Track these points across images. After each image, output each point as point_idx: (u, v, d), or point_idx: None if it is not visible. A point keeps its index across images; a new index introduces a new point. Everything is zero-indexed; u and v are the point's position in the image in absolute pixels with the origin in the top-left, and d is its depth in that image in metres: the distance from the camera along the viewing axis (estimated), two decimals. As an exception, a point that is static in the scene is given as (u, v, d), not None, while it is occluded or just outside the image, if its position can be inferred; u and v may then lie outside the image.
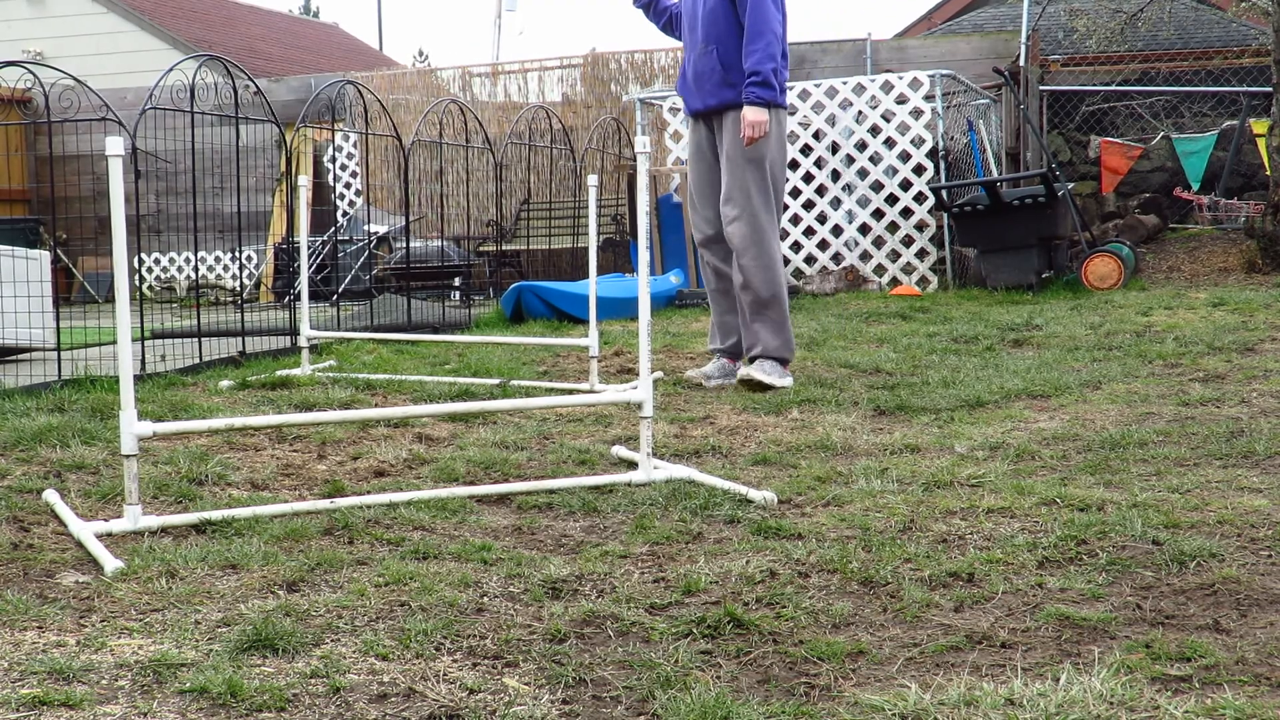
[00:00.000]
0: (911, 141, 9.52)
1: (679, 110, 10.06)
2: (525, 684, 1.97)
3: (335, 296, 9.88)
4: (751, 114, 4.92)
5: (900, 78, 9.66)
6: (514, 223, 12.20)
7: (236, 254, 12.51)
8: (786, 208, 9.84)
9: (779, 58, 4.97)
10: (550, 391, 5.13)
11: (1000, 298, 8.29)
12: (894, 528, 2.84)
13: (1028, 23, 10.91)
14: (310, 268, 9.13)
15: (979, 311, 7.51)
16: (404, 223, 9.73)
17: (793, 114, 9.82)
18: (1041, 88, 11.01)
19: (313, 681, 1.97)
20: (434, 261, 10.99)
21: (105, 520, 2.94)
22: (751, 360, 5.08)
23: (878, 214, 9.68)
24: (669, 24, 5.43)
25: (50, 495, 3.16)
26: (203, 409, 4.47)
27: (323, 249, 11.47)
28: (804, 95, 9.86)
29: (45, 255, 6.40)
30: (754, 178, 5.02)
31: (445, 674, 2.01)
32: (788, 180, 9.82)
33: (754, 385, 4.90)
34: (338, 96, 12.26)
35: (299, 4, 40.53)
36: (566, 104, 12.96)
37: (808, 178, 9.89)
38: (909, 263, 9.57)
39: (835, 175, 9.84)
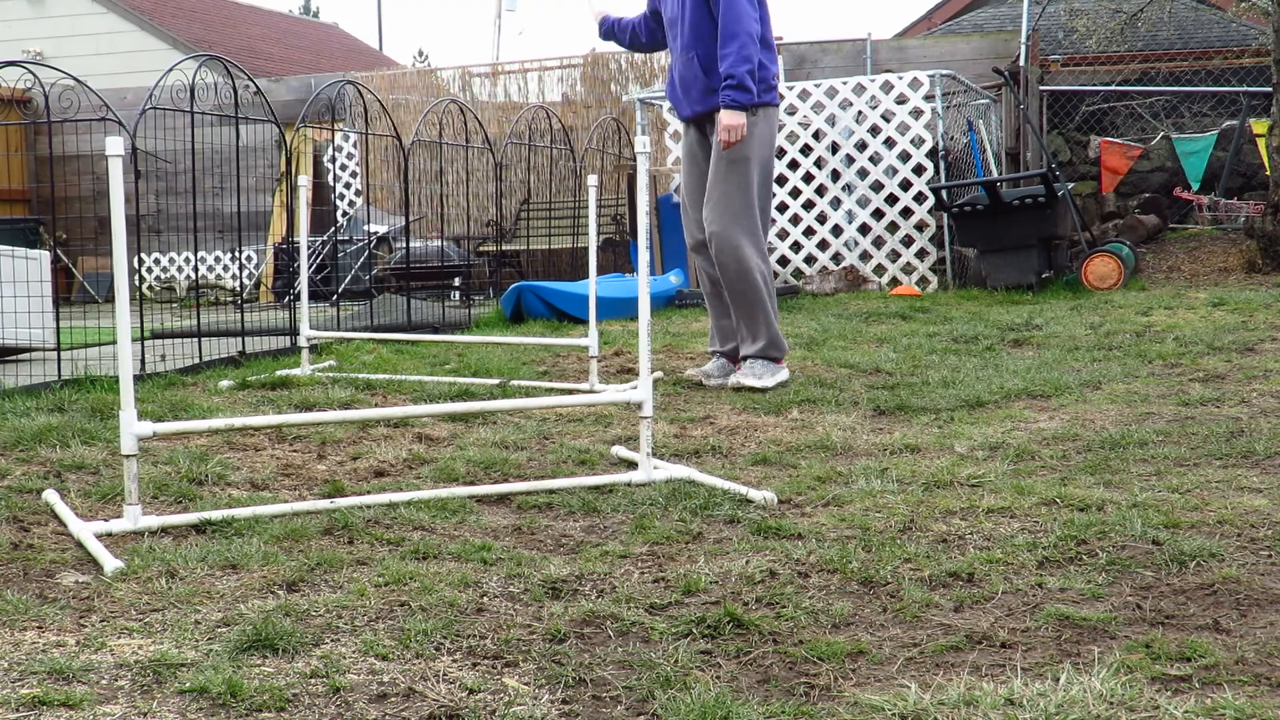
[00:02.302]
0: (911, 141, 9.52)
1: (679, 110, 10.03)
2: (525, 684, 1.97)
3: (335, 296, 9.88)
4: (726, 118, 4.87)
5: (900, 78, 9.66)
6: (514, 223, 12.21)
7: (236, 254, 12.51)
8: (786, 208, 9.84)
9: (755, 57, 4.90)
10: (550, 391, 5.13)
11: (1000, 298, 8.29)
12: (894, 528, 2.84)
13: (1028, 23, 10.91)
14: (310, 268, 9.13)
15: (979, 311, 7.51)
16: (404, 223, 9.73)
17: (792, 114, 9.82)
18: (1041, 88, 11.01)
19: (313, 681, 1.97)
20: (434, 261, 10.99)
21: (105, 520, 2.94)
22: (742, 360, 5.08)
23: (878, 214, 9.68)
24: (634, 40, 5.42)
25: (50, 495, 3.16)
26: (203, 409, 4.47)
27: (322, 249, 11.47)
28: (804, 95, 9.86)
29: (45, 255, 6.40)
30: (736, 178, 4.98)
31: (445, 674, 2.01)
32: (787, 180, 9.84)
33: (746, 390, 4.90)
34: (338, 96, 12.26)
35: (299, 4, 40.54)
36: (566, 104, 12.96)
37: (808, 178, 9.89)
38: (909, 263, 9.57)
39: (835, 175, 9.84)
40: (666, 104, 10.38)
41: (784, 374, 4.99)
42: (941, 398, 4.59)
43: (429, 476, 3.51)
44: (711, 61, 4.99)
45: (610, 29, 5.51)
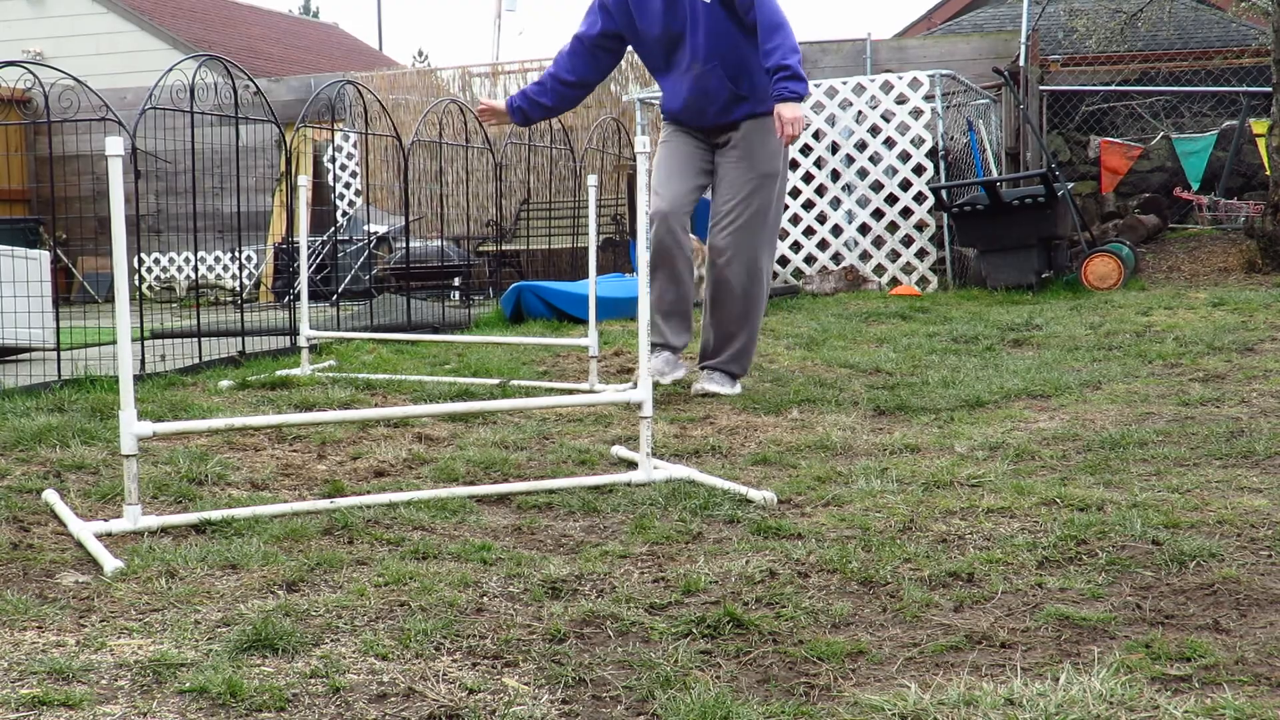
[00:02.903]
0: (911, 141, 9.52)
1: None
2: (525, 684, 1.97)
3: (335, 296, 9.88)
4: (789, 111, 4.55)
5: (900, 78, 9.66)
6: (514, 223, 12.21)
7: (236, 254, 12.50)
8: (786, 207, 9.84)
9: (799, 48, 4.66)
10: (550, 391, 5.12)
11: (1000, 298, 8.29)
12: (894, 528, 2.84)
13: (1027, 23, 10.91)
14: (310, 268, 9.13)
15: (979, 311, 7.51)
16: (404, 223, 9.73)
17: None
18: (1041, 88, 11.01)
19: (312, 681, 1.97)
20: (434, 261, 10.99)
21: (105, 520, 2.94)
22: (706, 368, 4.90)
23: (877, 214, 9.68)
24: (560, 93, 4.93)
25: (50, 495, 3.16)
26: (203, 409, 4.47)
27: (322, 249, 11.47)
28: (804, 95, 9.85)
29: (45, 255, 6.40)
30: (766, 194, 4.80)
31: (445, 674, 2.01)
32: (787, 180, 9.84)
33: (710, 396, 4.77)
34: (338, 96, 12.26)
35: (299, 4, 40.54)
36: (566, 104, 12.94)
37: (808, 178, 9.89)
38: (909, 263, 9.57)
39: (835, 175, 9.84)
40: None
41: (739, 387, 4.91)
42: (941, 398, 4.59)
43: (429, 476, 3.51)
44: (739, 68, 4.72)
45: (525, 106, 4.97)
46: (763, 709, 1.85)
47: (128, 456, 2.86)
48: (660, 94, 5.07)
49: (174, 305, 11.89)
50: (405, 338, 6.52)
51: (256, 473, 3.53)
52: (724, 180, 4.88)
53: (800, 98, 4.60)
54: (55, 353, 5.47)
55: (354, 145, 13.38)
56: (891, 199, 9.65)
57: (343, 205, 13.12)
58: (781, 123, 4.60)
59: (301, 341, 5.67)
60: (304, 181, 5.88)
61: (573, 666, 2.02)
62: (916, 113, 9.50)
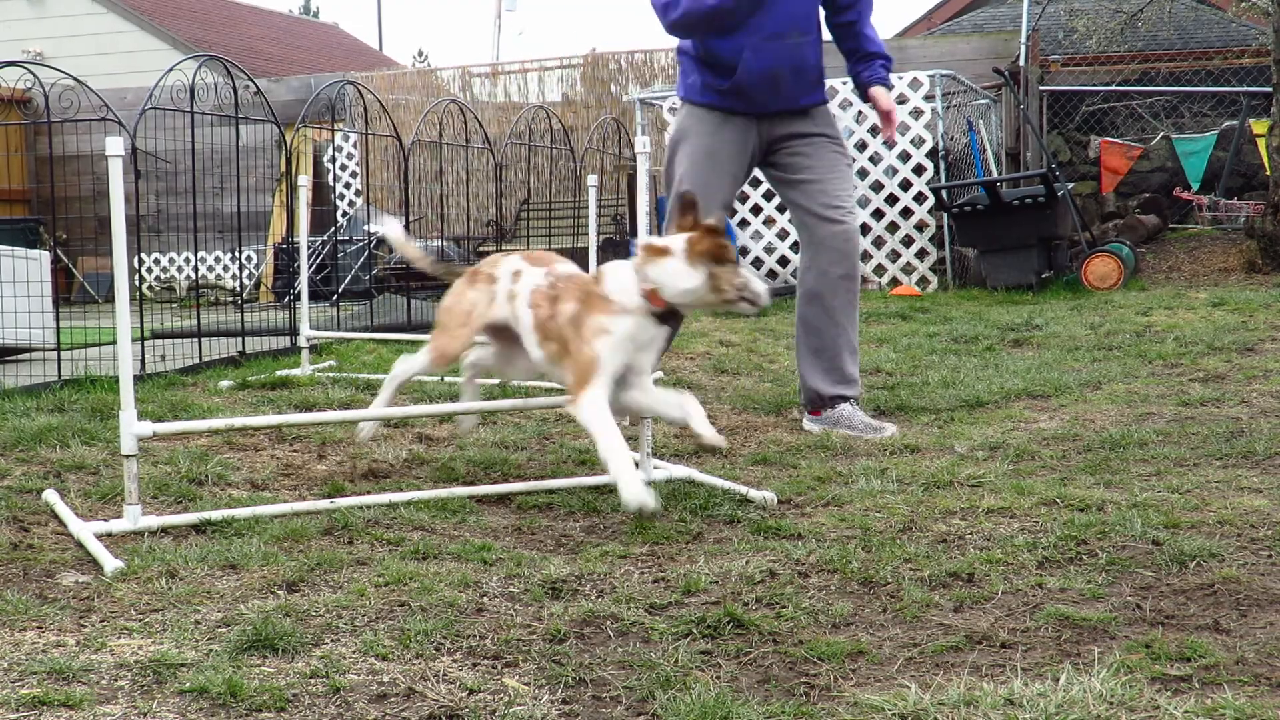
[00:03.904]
0: (911, 142, 9.52)
1: (677, 110, 9.99)
2: (525, 684, 1.97)
3: (335, 296, 9.88)
4: (889, 101, 4.25)
5: (900, 78, 9.65)
6: (514, 223, 12.21)
7: (236, 254, 12.50)
8: (786, 207, 9.85)
9: None
10: (550, 391, 5.12)
11: (1000, 298, 8.29)
12: (894, 528, 2.84)
13: (1028, 23, 10.91)
14: (310, 268, 9.13)
15: (979, 311, 7.51)
16: (404, 222, 9.73)
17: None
18: (1041, 88, 11.01)
19: (313, 681, 1.97)
20: (434, 261, 10.97)
21: (105, 520, 2.94)
22: (845, 401, 4.16)
23: (878, 214, 9.68)
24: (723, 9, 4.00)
25: (50, 495, 3.16)
26: (203, 409, 4.47)
27: (323, 249, 11.47)
28: (804, 95, 9.85)
29: (45, 255, 6.40)
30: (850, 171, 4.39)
31: (445, 674, 2.01)
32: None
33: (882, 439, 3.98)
34: (338, 96, 12.25)
35: (299, 4, 40.55)
36: (566, 104, 12.96)
37: (808, 178, 9.88)
38: (909, 263, 9.57)
39: (835, 175, 9.83)
40: (666, 104, 10.34)
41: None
42: (941, 398, 4.59)
43: (429, 476, 3.51)
44: (820, 47, 4.24)
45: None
46: (763, 709, 1.85)
47: (128, 456, 2.86)
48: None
49: (174, 305, 11.89)
50: (405, 338, 6.50)
51: (256, 473, 3.53)
52: (830, 166, 4.29)
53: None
54: (55, 353, 5.47)
55: (354, 145, 13.38)
56: (892, 199, 9.65)
57: (343, 205, 13.12)
58: (891, 119, 4.30)
59: (301, 342, 5.67)
60: (304, 181, 5.88)
61: (573, 666, 2.02)
62: (917, 113, 9.50)
